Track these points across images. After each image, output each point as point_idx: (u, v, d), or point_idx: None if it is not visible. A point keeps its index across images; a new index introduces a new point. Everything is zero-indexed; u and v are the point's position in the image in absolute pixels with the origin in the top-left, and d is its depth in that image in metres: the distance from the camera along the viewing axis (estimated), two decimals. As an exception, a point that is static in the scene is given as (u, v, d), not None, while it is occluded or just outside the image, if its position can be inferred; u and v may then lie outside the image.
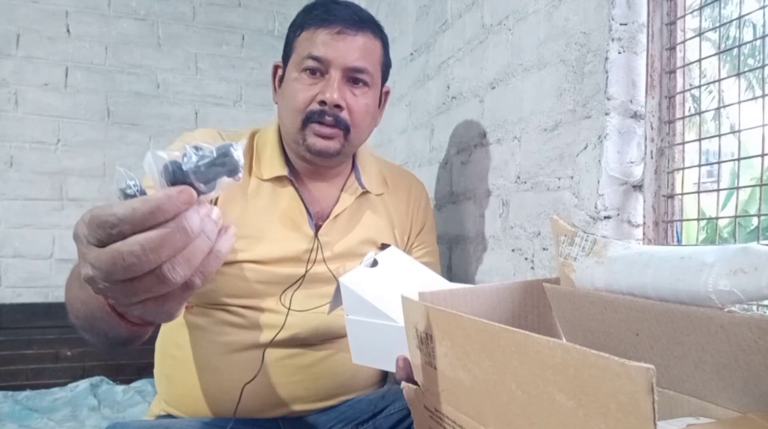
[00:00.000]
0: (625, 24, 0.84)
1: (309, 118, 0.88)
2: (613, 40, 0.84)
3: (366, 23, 0.91)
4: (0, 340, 2.18)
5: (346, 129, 0.90)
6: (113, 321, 0.47)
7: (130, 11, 2.38)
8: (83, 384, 2.11)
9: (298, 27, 0.92)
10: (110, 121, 2.36)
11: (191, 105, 2.47)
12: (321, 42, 0.88)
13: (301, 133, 0.89)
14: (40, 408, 1.94)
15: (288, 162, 0.95)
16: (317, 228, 0.93)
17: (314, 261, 0.91)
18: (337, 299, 0.72)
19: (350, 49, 0.88)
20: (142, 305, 0.39)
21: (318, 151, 0.90)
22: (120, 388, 2.11)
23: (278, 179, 0.92)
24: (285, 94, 0.92)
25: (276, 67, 0.97)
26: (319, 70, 0.88)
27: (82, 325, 0.59)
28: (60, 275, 2.27)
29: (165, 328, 0.98)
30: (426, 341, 0.48)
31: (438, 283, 0.74)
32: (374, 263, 0.73)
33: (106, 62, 2.35)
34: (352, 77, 0.90)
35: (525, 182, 1.04)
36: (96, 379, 2.17)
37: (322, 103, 0.87)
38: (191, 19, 2.47)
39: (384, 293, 0.67)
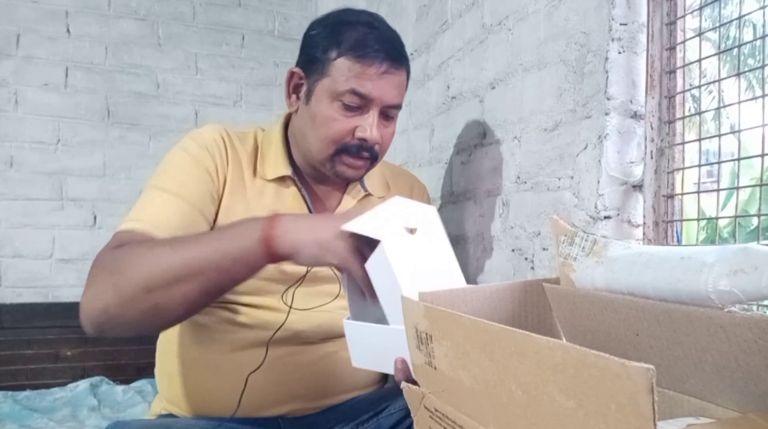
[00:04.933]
0: (625, 24, 0.84)
1: (343, 150, 0.88)
2: (613, 40, 0.84)
3: (404, 56, 0.91)
4: (0, 340, 2.17)
5: (375, 159, 0.92)
6: (259, 260, 0.69)
7: (130, 11, 2.38)
8: (83, 384, 2.11)
9: (332, 46, 0.87)
10: (110, 121, 2.36)
11: (191, 105, 2.47)
12: (367, 78, 0.85)
13: (331, 161, 0.90)
14: (40, 408, 1.94)
15: (292, 162, 0.95)
16: None
17: None
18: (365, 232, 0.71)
19: (392, 87, 0.88)
20: None
21: (346, 178, 0.92)
22: (120, 388, 2.11)
23: (281, 179, 0.93)
24: (315, 119, 0.88)
25: (293, 74, 0.93)
26: (360, 105, 0.87)
27: (186, 274, 0.68)
28: (60, 275, 2.28)
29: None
30: (426, 341, 0.48)
31: (456, 278, 0.73)
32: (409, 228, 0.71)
33: (106, 62, 2.35)
34: (387, 112, 0.90)
35: (525, 182, 1.04)
36: (96, 379, 2.17)
37: (362, 139, 0.87)
38: (191, 19, 2.47)
39: (410, 271, 0.66)
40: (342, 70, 0.86)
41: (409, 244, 0.69)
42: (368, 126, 0.87)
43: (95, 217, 2.33)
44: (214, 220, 0.88)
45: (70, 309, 2.24)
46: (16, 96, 2.24)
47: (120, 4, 2.37)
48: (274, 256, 0.69)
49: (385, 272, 0.67)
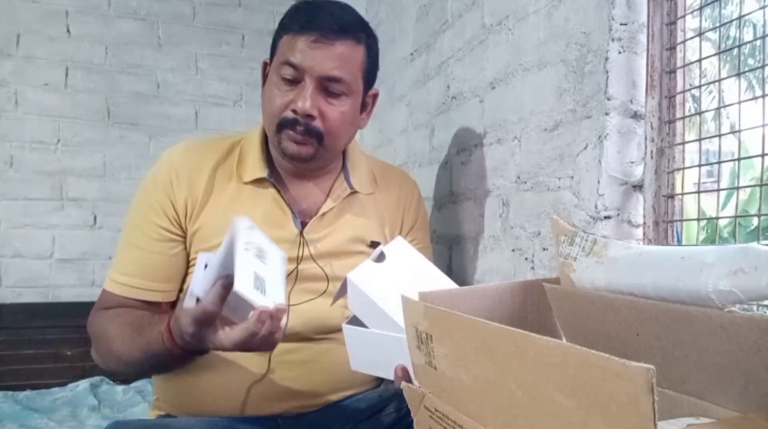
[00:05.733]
0: (625, 24, 0.84)
1: (283, 124, 0.89)
2: (613, 40, 0.84)
3: (346, 30, 0.89)
4: (0, 340, 2.17)
5: (318, 136, 0.90)
6: (176, 357, 0.78)
7: (130, 11, 2.38)
8: (83, 384, 2.11)
9: (282, 28, 0.92)
10: (110, 121, 2.35)
11: (191, 105, 2.47)
12: (298, 49, 0.87)
13: (277, 137, 0.91)
14: (40, 408, 1.94)
15: (271, 164, 0.96)
16: (303, 226, 0.93)
17: (301, 258, 0.91)
18: (341, 291, 0.72)
19: (326, 58, 0.87)
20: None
21: (291, 155, 0.91)
22: (120, 388, 2.11)
23: (259, 181, 0.93)
24: (264, 96, 0.93)
25: (265, 64, 0.97)
26: (295, 77, 0.88)
27: (135, 367, 0.87)
28: (60, 275, 2.28)
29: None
30: (426, 341, 0.48)
31: (443, 281, 0.74)
32: (381, 256, 0.73)
33: (106, 62, 2.35)
34: (328, 87, 0.89)
35: (525, 182, 1.04)
36: (96, 379, 2.16)
37: (295, 111, 0.88)
38: (191, 19, 2.47)
39: (390, 294, 0.66)
40: (282, 47, 0.90)
41: (380, 270, 0.71)
42: (300, 98, 0.88)
43: (95, 217, 2.33)
44: (193, 233, 0.92)
45: (70, 309, 2.24)
46: (16, 96, 2.24)
47: (120, 4, 2.36)
48: (190, 353, 0.78)
49: (364, 303, 0.68)
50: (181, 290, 0.94)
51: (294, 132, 0.89)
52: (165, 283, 0.91)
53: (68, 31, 2.30)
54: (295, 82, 0.88)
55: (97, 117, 2.34)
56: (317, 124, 0.89)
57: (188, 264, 0.93)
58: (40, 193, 2.26)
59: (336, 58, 0.88)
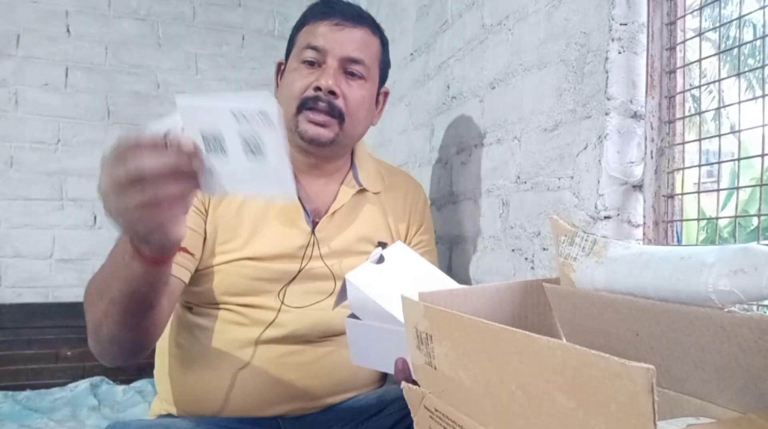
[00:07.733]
0: (625, 24, 0.84)
1: (303, 105, 0.90)
2: (613, 40, 0.84)
3: (364, 19, 0.95)
4: (0, 340, 2.17)
5: (340, 117, 0.91)
6: (132, 262, 0.62)
7: (130, 11, 2.38)
8: (83, 384, 2.11)
9: (300, 24, 0.96)
10: (110, 121, 2.35)
11: (191, 105, 2.47)
12: (320, 33, 0.91)
13: (294, 120, 0.91)
14: (40, 408, 1.94)
15: None
16: (314, 224, 0.93)
17: (310, 257, 0.91)
18: (342, 295, 0.72)
19: (347, 40, 0.92)
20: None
21: (310, 138, 0.91)
22: (120, 388, 2.11)
23: None
24: (283, 85, 0.95)
25: (279, 65, 1.00)
26: (317, 60, 0.91)
27: (106, 310, 0.70)
28: (60, 275, 2.27)
29: (167, 329, 0.98)
30: (426, 341, 0.48)
31: (444, 281, 0.74)
32: (380, 259, 0.73)
33: (106, 62, 2.35)
34: (349, 68, 0.93)
35: (525, 182, 1.04)
36: (96, 379, 2.16)
37: (317, 88, 0.90)
38: (191, 19, 2.47)
39: (390, 292, 0.66)
40: (303, 36, 0.94)
41: (379, 270, 0.71)
42: (323, 76, 0.90)
43: (95, 217, 2.33)
44: (206, 230, 0.88)
45: (70, 309, 2.24)
46: (16, 96, 2.24)
47: (120, 4, 2.36)
48: (133, 245, 0.63)
49: (364, 303, 0.68)
50: (188, 284, 0.88)
51: (314, 112, 0.89)
52: (184, 256, 0.84)
53: (68, 31, 2.30)
54: (316, 64, 0.91)
55: (97, 117, 2.34)
56: (340, 103, 0.91)
57: (200, 259, 0.88)
58: (40, 193, 2.26)
59: (357, 40, 0.93)
